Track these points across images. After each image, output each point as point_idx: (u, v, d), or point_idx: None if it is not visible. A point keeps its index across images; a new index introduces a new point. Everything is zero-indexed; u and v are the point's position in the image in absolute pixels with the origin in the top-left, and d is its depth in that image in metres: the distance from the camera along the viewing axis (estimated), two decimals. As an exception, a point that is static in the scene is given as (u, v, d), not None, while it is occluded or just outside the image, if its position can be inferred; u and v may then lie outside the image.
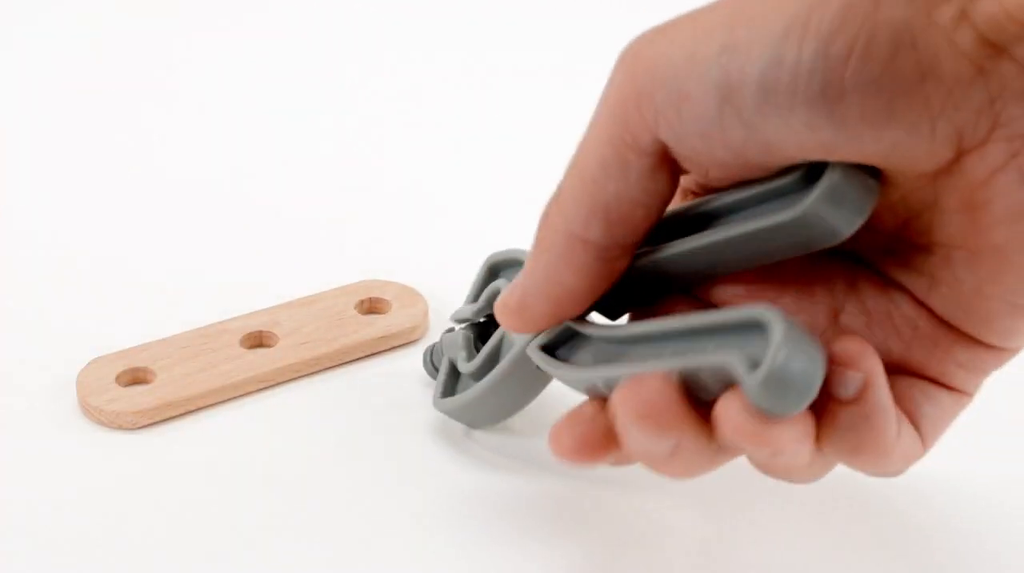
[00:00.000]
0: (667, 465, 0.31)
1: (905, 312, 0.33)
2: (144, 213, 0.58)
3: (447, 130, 0.67)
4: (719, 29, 0.30)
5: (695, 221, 0.34)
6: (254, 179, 0.61)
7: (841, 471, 0.34)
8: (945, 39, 0.28)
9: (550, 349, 0.37)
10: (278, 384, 0.46)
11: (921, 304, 0.33)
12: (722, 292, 0.35)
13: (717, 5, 0.31)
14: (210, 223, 0.57)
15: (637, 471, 0.34)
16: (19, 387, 0.45)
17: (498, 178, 0.62)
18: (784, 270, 0.34)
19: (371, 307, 0.49)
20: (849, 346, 0.30)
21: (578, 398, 0.35)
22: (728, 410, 0.29)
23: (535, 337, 0.37)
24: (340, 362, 0.47)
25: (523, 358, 0.38)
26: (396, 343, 0.48)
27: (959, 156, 0.29)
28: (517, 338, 0.39)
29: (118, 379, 0.44)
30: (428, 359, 0.45)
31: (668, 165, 0.32)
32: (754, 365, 0.29)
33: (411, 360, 0.47)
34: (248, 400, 0.45)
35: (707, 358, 0.30)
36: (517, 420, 0.43)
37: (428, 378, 0.46)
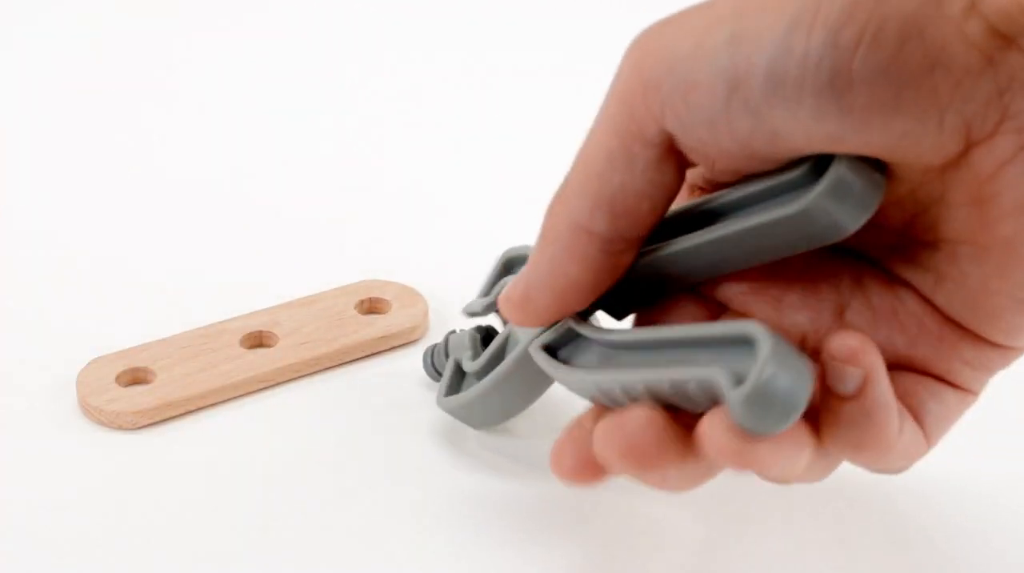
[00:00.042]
0: (658, 487, 0.31)
1: (911, 309, 0.33)
2: (144, 213, 0.58)
3: (447, 130, 0.67)
4: (727, 19, 0.30)
5: (700, 219, 0.34)
6: (254, 179, 0.61)
7: (841, 471, 0.34)
8: (954, 30, 0.28)
9: (552, 350, 0.36)
10: (278, 384, 0.46)
11: (927, 301, 0.33)
12: (728, 290, 0.35)
13: None
14: (210, 223, 0.57)
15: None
16: (19, 387, 0.45)
17: (498, 178, 0.62)
18: (790, 267, 0.34)
19: (371, 307, 0.49)
20: (849, 342, 0.30)
21: (580, 401, 0.35)
22: (711, 429, 0.29)
23: (539, 335, 0.37)
24: (340, 362, 0.47)
25: (526, 357, 0.38)
26: (396, 343, 0.48)
27: (967, 149, 0.29)
28: (522, 337, 0.39)
29: (118, 379, 0.44)
30: (428, 360, 0.45)
31: (674, 157, 0.32)
32: (739, 381, 0.28)
33: (411, 360, 0.47)
34: (248, 400, 0.45)
35: (694, 371, 0.30)
36: (518, 421, 0.43)
37: (428, 378, 0.46)
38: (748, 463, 0.29)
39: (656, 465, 0.30)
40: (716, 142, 0.31)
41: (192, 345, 0.46)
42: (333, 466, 0.42)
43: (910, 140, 0.29)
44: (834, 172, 0.30)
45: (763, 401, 0.28)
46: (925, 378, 0.33)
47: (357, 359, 0.47)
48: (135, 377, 0.45)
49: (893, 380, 0.31)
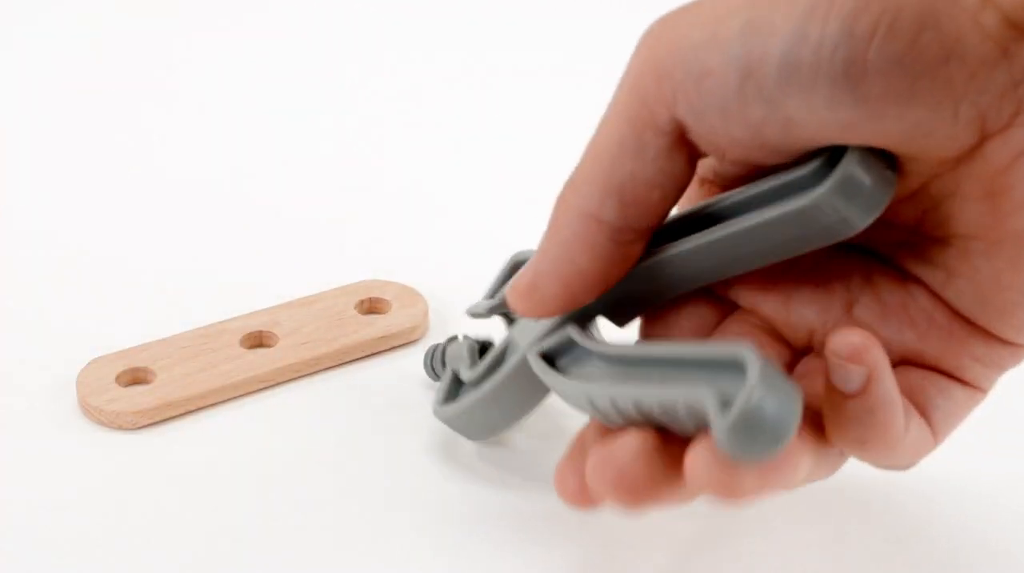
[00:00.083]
0: (654, 510, 0.31)
1: (921, 304, 0.33)
2: (144, 213, 0.58)
3: (447, 130, 0.67)
4: (741, 8, 0.30)
5: (708, 220, 0.34)
6: (254, 179, 0.61)
7: (841, 471, 0.34)
8: (970, 20, 0.28)
9: (551, 358, 0.36)
10: (278, 384, 0.46)
11: (937, 297, 0.33)
12: (739, 289, 0.35)
13: None
14: (210, 223, 0.57)
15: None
16: (19, 387, 0.45)
17: (498, 178, 0.62)
18: (801, 265, 0.34)
19: (371, 307, 0.49)
20: (852, 339, 0.30)
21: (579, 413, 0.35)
22: (696, 461, 0.29)
23: (538, 341, 0.37)
24: (340, 362, 0.47)
25: (524, 365, 0.38)
26: (396, 343, 0.48)
27: (982, 141, 0.29)
28: (521, 344, 0.39)
29: (118, 379, 0.44)
30: (428, 361, 0.45)
31: (685, 146, 0.32)
32: (726, 404, 0.28)
33: (411, 360, 0.47)
34: (248, 400, 0.45)
35: (682, 390, 0.29)
36: (516, 429, 0.43)
37: (428, 379, 0.46)
38: (736, 494, 0.28)
39: (648, 498, 0.30)
40: (728, 131, 0.31)
41: (192, 345, 0.46)
42: (333, 466, 0.42)
43: (924, 130, 0.29)
44: (844, 168, 0.30)
45: (750, 427, 0.27)
46: (934, 374, 0.33)
47: (357, 359, 0.47)
48: (135, 377, 0.45)
49: (901, 376, 0.31)
